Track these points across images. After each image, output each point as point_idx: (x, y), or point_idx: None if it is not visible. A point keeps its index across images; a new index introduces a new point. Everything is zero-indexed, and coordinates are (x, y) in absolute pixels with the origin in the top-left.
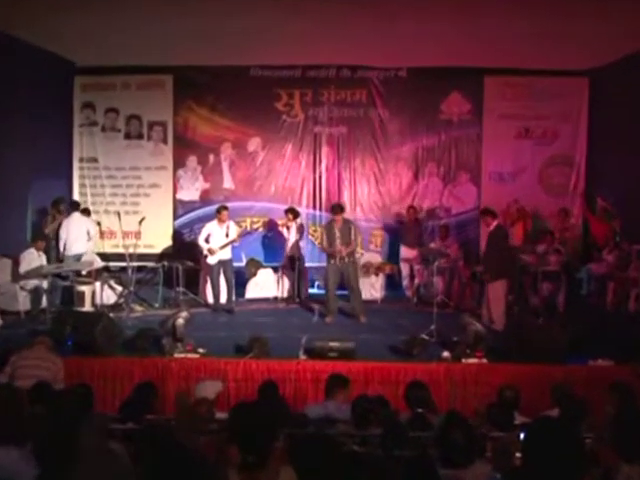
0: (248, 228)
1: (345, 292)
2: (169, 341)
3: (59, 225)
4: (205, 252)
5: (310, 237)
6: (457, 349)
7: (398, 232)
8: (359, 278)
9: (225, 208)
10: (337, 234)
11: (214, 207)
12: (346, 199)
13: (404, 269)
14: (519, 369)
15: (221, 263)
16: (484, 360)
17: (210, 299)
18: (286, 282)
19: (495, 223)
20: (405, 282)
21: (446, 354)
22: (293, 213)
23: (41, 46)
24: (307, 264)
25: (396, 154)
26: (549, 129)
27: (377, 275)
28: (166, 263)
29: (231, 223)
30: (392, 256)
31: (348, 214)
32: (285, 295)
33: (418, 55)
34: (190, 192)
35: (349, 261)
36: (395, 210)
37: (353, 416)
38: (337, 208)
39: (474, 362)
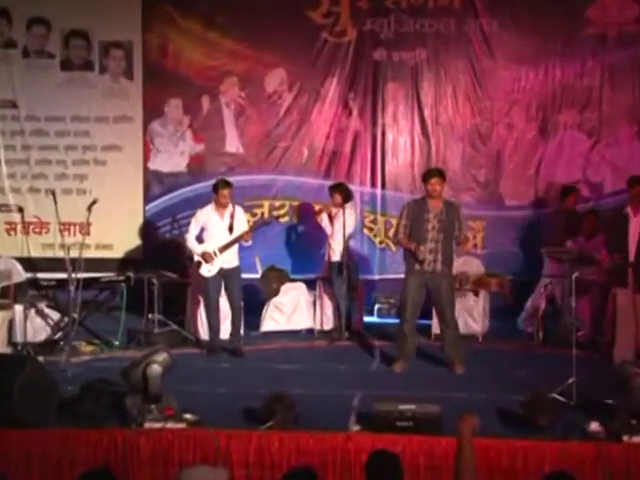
0: (266, 216)
1: (427, 322)
2: (137, 402)
3: None
4: (197, 257)
5: (366, 232)
6: (615, 419)
7: (510, 224)
8: (455, 300)
9: (227, 184)
10: (432, 223)
11: (211, 184)
12: (423, 168)
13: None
14: None
15: (222, 275)
16: None
17: (204, 333)
18: (328, 305)
19: None
20: (526, 307)
21: (595, 426)
22: (343, 193)
23: None
24: (362, 276)
25: (510, 94)
26: None
27: (476, 294)
28: (132, 275)
29: (238, 209)
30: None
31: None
32: (326, 326)
33: None
34: (172, 159)
35: (444, 271)
36: (508, 186)
37: None
38: (434, 175)
39: None
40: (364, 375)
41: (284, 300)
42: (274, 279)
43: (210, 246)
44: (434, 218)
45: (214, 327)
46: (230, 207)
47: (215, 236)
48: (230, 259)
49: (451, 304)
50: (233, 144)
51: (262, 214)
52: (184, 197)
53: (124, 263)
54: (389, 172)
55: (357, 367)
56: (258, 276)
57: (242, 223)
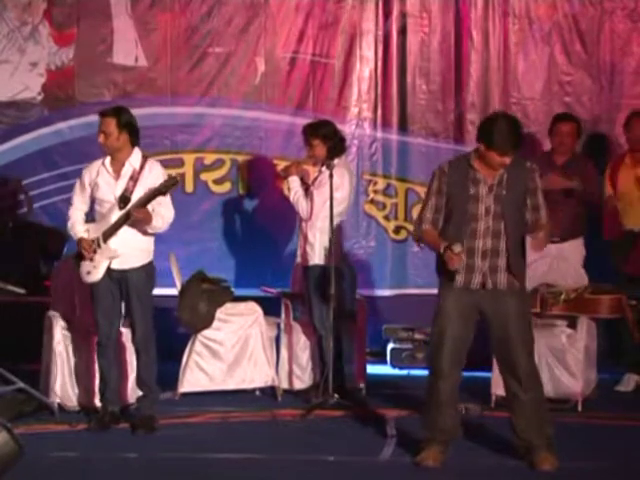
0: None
1: (484, 374)
2: None
3: None
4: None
5: (371, 212)
6: None
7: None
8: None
9: (112, 112)
10: (484, 202)
11: (91, 121)
12: (476, 96)
13: None
14: None
15: (117, 281)
16: None
17: (75, 394)
18: (302, 345)
19: None
20: None
21: None
22: (328, 139)
23: None
24: (364, 291)
25: None
26: None
27: (573, 326)
28: None
29: (152, 165)
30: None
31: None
32: (298, 384)
33: None
34: (14, 77)
35: (512, 287)
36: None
37: None
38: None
39: None
40: (368, 471)
41: (222, 336)
42: (204, 297)
43: (97, 229)
44: (488, 193)
45: (106, 380)
46: (135, 159)
47: (103, 211)
48: (128, 253)
49: (527, 343)
50: (128, 50)
51: (182, 177)
52: (38, 147)
53: None
54: (413, 103)
55: (356, 457)
56: (175, 292)
57: (153, 177)
